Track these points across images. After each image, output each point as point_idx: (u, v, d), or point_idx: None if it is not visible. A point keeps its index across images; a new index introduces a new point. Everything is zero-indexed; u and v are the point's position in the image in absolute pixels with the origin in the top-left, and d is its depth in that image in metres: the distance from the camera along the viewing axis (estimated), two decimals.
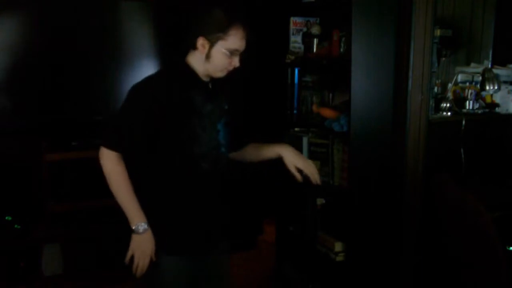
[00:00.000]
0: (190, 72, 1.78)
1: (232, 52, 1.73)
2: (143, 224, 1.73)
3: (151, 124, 1.70)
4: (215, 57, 1.73)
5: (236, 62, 1.76)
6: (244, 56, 1.79)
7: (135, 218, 1.73)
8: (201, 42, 1.72)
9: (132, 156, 1.76)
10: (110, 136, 1.73)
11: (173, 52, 1.89)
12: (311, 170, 1.90)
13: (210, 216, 1.84)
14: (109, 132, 1.74)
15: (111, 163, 1.71)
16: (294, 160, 1.90)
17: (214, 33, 1.70)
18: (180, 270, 1.81)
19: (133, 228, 1.73)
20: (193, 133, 1.73)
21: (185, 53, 1.80)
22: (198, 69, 1.78)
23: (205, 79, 1.80)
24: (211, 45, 1.71)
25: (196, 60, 1.76)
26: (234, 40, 1.71)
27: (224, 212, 1.90)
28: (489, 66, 3.13)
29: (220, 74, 1.78)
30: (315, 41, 2.81)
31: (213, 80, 1.82)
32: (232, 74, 1.82)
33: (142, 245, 1.74)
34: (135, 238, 1.74)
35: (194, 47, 1.74)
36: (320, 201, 2.83)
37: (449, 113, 2.71)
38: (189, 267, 1.83)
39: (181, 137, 1.73)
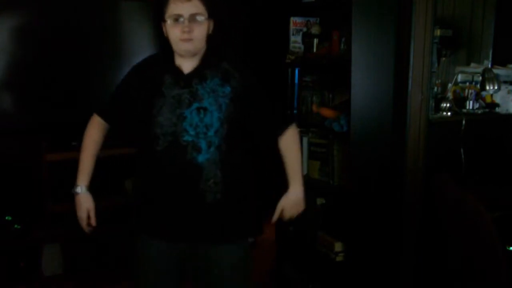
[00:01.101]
0: (167, 56, 1.77)
1: (176, 19, 1.67)
2: (77, 186, 1.84)
3: (129, 97, 1.81)
4: (168, 31, 1.71)
5: (184, 27, 1.66)
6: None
7: (77, 179, 1.85)
8: (163, 29, 1.74)
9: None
10: (100, 104, 1.92)
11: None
12: (290, 216, 1.93)
13: (180, 204, 1.76)
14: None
15: (89, 125, 1.90)
16: (288, 207, 1.90)
17: (162, 11, 1.70)
18: (153, 252, 1.82)
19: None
20: (150, 114, 1.73)
21: None
22: (176, 55, 1.77)
23: (183, 62, 1.76)
24: (164, 23, 1.71)
25: None
26: (173, 6, 1.67)
27: (216, 207, 1.75)
28: (489, 66, 3.13)
29: (181, 47, 1.71)
30: (315, 41, 2.81)
31: (203, 65, 1.75)
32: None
33: (77, 205, 1.86)
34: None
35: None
36: (320, 201, 2.83)
37: (449, 113, 2.71)
38: (167, 252, 1.81)
39: (141, 116, 1.77)
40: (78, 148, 2.80)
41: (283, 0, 2.99)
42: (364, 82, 2.42)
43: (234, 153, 1.78)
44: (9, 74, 3.11)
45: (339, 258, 2.62)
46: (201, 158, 1.71)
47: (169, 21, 1.68)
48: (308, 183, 2.80)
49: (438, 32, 2.78)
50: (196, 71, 1.76)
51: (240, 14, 3.77)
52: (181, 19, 1.67)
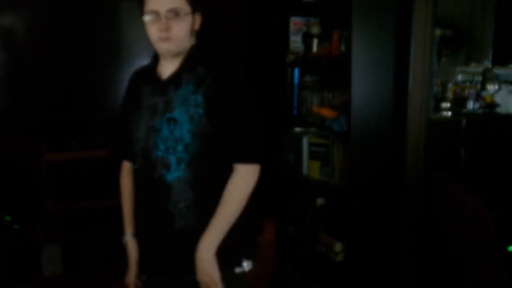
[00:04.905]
0: (148, 66, 1.62)
1: (154, 15, 1.45)
2: (125, 234, 1.68)
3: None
4: (147, 29, 1.50)
5: (161, 25, 1.44)
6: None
7: (124, 226, 1.70)
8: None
9: None
10: (117, 147, 1.73)
11: None
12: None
13: (150, 231, 1.56)
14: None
15: (122, 173, 1.73)
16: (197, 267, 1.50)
17: (140, 7, 1.50)
18: None
19: None
20: (128, 130, 1.56)
21: None
22: (160, 57, 1.58)
23: (165, 66, 1.56)
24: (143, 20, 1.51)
25: None
26: (149, 1, 1.46)
27: (188, 235, 1.50)
28: (490, 66, 3.13)
29: (160, 47, 1.50)
30: (315, 41, 2.81)
31: (182, 70, 1.53)
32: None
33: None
34: None
35: None
36: (320, 201, 2.82)
37: (449, 113, 2.71)
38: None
39: (123, 134, 1.63)
40: (77, 148, 2.80)
41: (283, 0, 2.99)
42: (364, 82, 2.42)
43: (210, 172, 1.50)
44: (9, 74, 3.12)
45: (339, 258, 2.62)
46: (169, 176, 1.48)
47: (146, 18, 1.47)
48: (308, 183, 2.82)
49: (438, 32, 2.78)
50: (173, 76, 1.53)
51: (240, 14, 3.77)
52: (158, 16, 1.45)
